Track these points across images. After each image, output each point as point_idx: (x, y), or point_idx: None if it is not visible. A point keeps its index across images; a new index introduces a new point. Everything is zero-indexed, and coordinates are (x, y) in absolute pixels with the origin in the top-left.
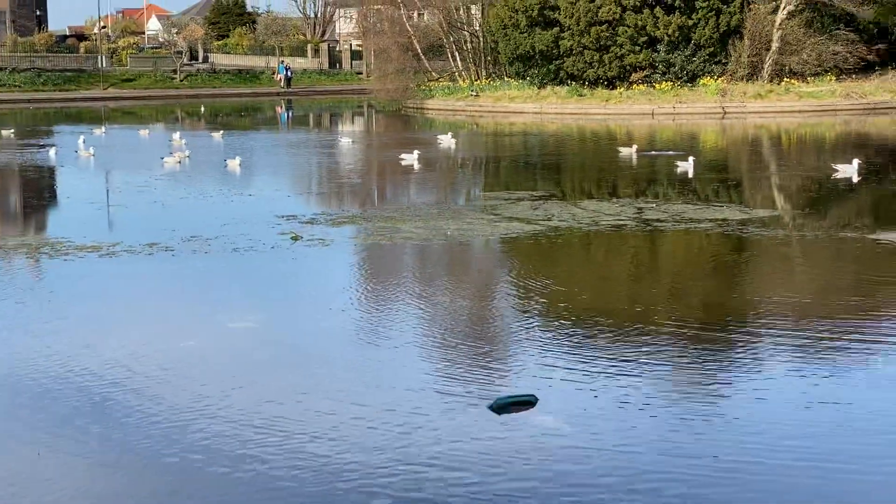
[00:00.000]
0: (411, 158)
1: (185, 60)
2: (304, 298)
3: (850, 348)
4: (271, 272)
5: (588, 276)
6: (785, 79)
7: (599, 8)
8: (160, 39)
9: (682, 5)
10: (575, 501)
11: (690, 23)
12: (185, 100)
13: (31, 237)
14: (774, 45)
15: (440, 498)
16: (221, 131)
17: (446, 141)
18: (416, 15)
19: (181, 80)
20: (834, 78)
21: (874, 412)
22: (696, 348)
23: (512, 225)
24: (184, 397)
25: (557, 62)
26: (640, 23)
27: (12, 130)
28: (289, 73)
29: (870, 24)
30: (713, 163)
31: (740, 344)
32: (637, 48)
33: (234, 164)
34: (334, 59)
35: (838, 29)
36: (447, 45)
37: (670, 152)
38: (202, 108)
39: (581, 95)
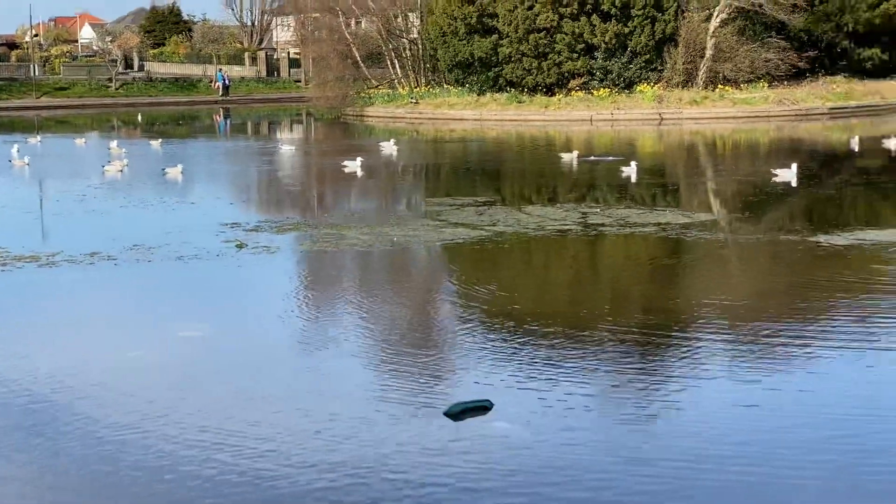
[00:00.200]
0: (354, 165)
1: (121, 69)
2: (250, 306)
3: (788, 350)
4: (217, 280)
5: (534, 280)
6: (719, 85)
7: (537, 16)
8: (94, 48)
9: (619, 13)
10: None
11: (626, 30)
12: (121, 108)
13: None
14: (708, 53)
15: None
16: (160, 140)
17: (388, 147)
18: (354, 22)
19: (117, 89)
20: (766, 85)
21: (811, 413)
22: (639, 351)
23: (458, 231)
24: (128, 408)
25: (496, 69)
26: (577, 30)
27: None
28: (226, 82)
29: (800, 32)
30: (654, 168)
31: (683, 346)
32: (575, 55)
33: (174, 172)
34: (272, 68)
35: (770, 37)
36: (386, 53)
37: (610, 158)
38: (139, 117)
39: (520, 102)
